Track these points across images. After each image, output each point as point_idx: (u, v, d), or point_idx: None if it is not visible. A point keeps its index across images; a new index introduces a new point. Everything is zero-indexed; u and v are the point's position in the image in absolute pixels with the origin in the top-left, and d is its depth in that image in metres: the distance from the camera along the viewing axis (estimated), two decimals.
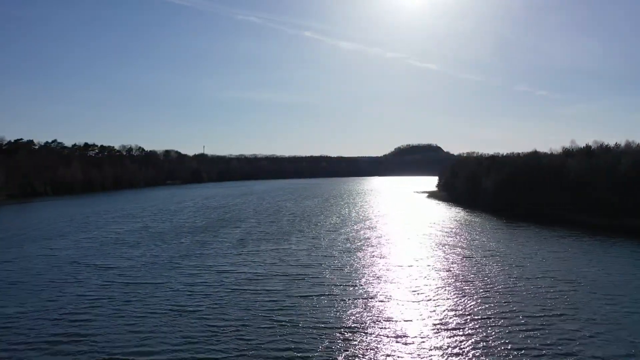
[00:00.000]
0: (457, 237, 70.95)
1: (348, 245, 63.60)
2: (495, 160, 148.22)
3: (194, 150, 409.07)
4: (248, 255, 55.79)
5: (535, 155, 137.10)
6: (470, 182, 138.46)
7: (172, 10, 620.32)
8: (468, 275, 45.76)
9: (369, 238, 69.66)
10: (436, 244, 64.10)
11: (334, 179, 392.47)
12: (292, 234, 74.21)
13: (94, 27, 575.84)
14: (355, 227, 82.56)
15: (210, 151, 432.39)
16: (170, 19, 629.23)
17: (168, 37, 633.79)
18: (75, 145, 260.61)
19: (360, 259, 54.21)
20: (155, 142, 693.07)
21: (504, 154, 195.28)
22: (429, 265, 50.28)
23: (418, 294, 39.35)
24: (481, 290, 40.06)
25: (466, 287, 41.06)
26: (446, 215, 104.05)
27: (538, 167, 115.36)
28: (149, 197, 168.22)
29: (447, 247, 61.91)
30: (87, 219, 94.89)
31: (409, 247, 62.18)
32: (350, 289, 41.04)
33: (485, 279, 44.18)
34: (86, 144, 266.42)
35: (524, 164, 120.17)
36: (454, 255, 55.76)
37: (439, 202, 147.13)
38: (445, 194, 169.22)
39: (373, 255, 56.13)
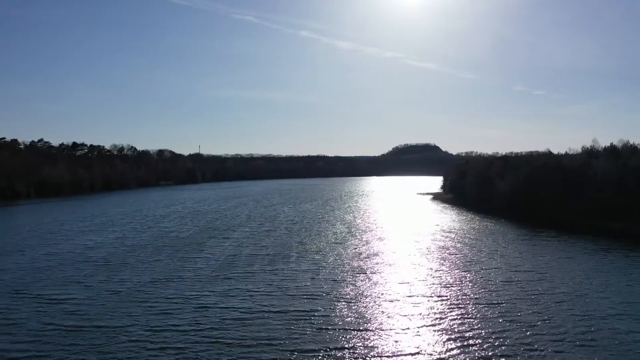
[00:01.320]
0: (482, 252, 60.98)
1: (359, 264, 53.48)
2: (507, 161, 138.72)
3: (189, 150, 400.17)
4: (238, 281, 45.55)
5: (554, 155, 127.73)
6: (480, 185, 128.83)
7: (168, 9, 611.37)
8: (510, 308, 35.83)
9: (381, 254, 59.61)
10: (462, 262, 54.11)
11: (332, 179, 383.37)
12: (291, 247, 64.10)
13: (87, 25, 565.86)
14: (363, 238, 72.56)
15: (206, 151, 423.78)
16: (166, 17, 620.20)
17: (164, 36, 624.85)
18: (62, 144, 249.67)
19: (376, 285, 44.21)
20: (150, 142, 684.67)
21: (513, 153, 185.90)
22: (462, 295, 40.33)
23: (463, 340, 29.41)
24: (533, 333, 30.17)
25: (511, 326, 31.15)
26: (460, 222, 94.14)
27: (558, 168, 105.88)
28: (138, 200, 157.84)
29: (474, 265, 51.96)
30: (59, 228, 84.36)
31: (429, 266, 52.19)
32: (371, 334, 31.08)
33: (535, 311, 34.27)
34: (74, 144, 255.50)
35: (543, 165, 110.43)
36: (484, 278, 45.86)
37: (446, 205, 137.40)
38: (452, 196, 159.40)
39: (390, 280, 46.14)
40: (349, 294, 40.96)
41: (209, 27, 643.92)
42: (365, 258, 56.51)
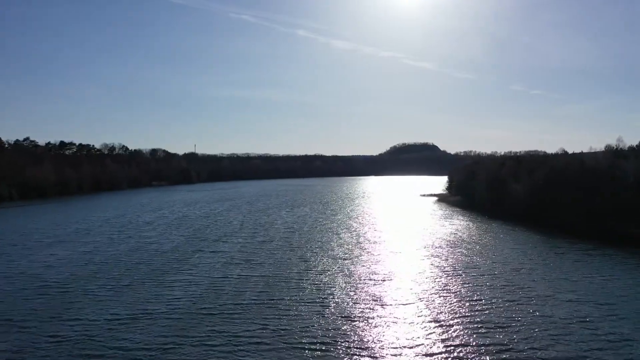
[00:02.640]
0: (519, 271, 51.24)
1: (377, 291, 43.53)
2: (520, 162, 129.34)
3: (184, 150, 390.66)
4: (222, 320, 35.55)
5: (574, 155, 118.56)
6: (492, 186, 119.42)
7: (163, 7, 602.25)
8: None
9: (400, 275, 49.76)
10: (504, 287, 44.21)
11: (329, 178, 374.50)
12: (290, 266, 54.09)
13: (79, 23, 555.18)
14: (374, 251, 62.66)
15: (201, 150, 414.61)
16: (161, 15, 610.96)
17: (159, 34, 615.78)
18: (49, 143, 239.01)
19: (404, 324, 34.53)
20: (145, 142, 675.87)
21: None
22: (521, 341, 30.71)
23: None
24: None
25: None
26: (477, 230, 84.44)
27: (582, 169, 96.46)
28: (125, 203, 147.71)
29: (520, 292, 42.10)
30: (23, 238, 73.90)
31: (463, 293, 42.36)
32: None
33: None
34: (62, 143, 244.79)
35: (564, 166, 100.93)
36: (536, 311, 36.26)
37: (455, 209, 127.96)
38: (459, 198, 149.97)
39: (420, 316, 36.47)
40: (369, 339, 31.27)
41: (205, 25, 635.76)
42: (382, 281, 46.57)
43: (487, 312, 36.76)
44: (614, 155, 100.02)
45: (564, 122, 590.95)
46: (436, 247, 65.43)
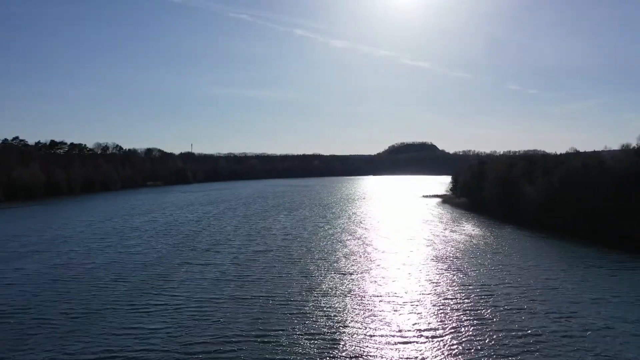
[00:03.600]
0: (582, 302, 44.42)
1: (400, 320, 36.58)
2: (532, 162, 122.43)
3: (181, 150, 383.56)
4: None
5: (591, 155, 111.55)
6: (502, 188, 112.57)
7: (160, 6, 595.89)
8: None
9: (420, 297, 42.84)
10: (560, 316, 37.53)
11: (328, 178, 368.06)
12: (290, 284, 46.83)
13: (73, 21, 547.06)
14: (386, 264, 55.55)
15: (198, 150, 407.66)
16: (158, 14, 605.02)
17: (156, 33, 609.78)
18: (39, 143, 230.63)
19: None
20: (141, 141, 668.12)
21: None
22: None
23: None
24: None
25: None
26: (496, 237, 77.47)
27: (603, 170, 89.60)
28: (115, 205, 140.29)
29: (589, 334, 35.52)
30: None
31: (495, 323, 35.49)
32: None
33: None
34: (53, 142, 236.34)
35: (582, 166, 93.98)
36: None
37: (463, 212, 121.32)
38: (465, 200, 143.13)
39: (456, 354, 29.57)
40: None
41: (203, 24, 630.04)
42: (400, 304, 39.42)
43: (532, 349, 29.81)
44: (635, 154, 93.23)
45: (562, 121, 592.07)
46: (453, 259, 58.34)
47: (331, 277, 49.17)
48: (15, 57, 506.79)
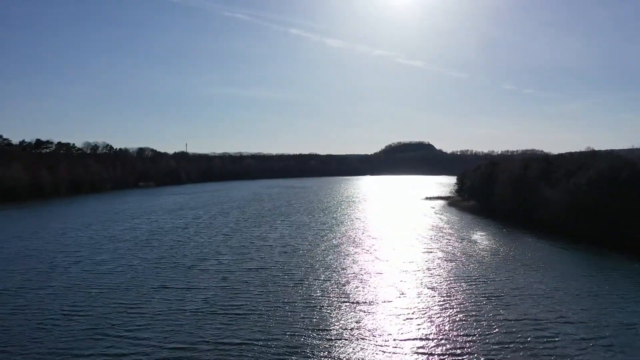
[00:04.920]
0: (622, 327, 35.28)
1: None
2: (550, 163, 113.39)
3: (176, 149, 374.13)
4: None
5: (616, 155, 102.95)
6: (518, 191, 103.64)
7: (155, 5, 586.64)
8: None
9: (459, 334, 33.75)
10: None
11: (324, 178, 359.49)
12: (292, 320, 37.21)
13: (66, 19, 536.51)
14: (405, 287, 46.27)
15: (193, 149, 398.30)
16: (152, 13, 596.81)
17: (150, 32, 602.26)
18: (23, 142, 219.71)
19: None
20: (135, 141, 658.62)
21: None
22: None
23: None
24: None
25: None
26: (519, 249, 68.16)
27: (632, 173, 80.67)
28: (100, 209, 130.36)
29: None
30: None
31: None
32: None
33: None
34: (39, 141, 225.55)
35: (610, 169, 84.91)
36: None
37: (474, 216, 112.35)
38: (474, 203, 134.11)
39: None
40: None
41: (197, 23, 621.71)
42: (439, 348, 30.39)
43: None
44: None
45: (557, 120, 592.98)
46: (485, 281, 48.91)
47: (342, 309, 39.73)
48: (4, 55, 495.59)
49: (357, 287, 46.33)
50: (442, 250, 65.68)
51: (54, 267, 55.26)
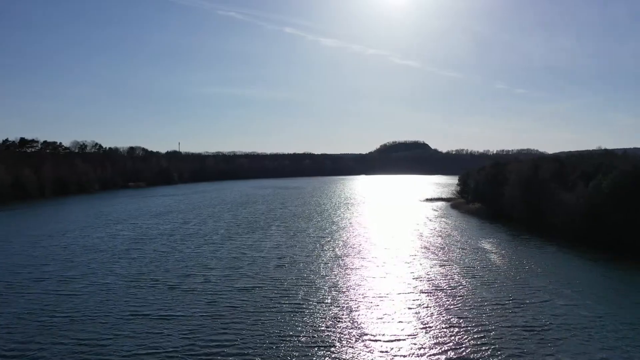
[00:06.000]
0: None
1: None
2: (562, 164, 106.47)
3: (168, 148, 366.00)
4: None
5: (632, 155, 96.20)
6: (530, 194, 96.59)
7: (149, 4, 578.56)
8: None
9: None
10: None
11: (319, 178, 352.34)
12: (293, 356, 30.39)
13: (58, 17, 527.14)
14: (424, 313, 38.86)
15: (186, 149, 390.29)
16: (146, 12, 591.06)
17: (144, 31, 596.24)
18: (7, 140, 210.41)
19: None
20: (127, 140, 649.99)
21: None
22: None
23: None
24: None
25: None
26: (548, 262, 61.05)
27: None
28: (82, 212, 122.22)
29: None
30: None
31: None
32: None
33: None
34: (23, 140, 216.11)
35: (633, 171, 77.91)
36: None
37: (483, 220, 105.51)
38: (479, 206, 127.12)
39: None
40: None
41: (191, 22, 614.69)
42: None
43: None
44: None
45: (549, 120, 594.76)
46: (517, 306, 41.54)
47: (358, 348, 32.34)
48: None
49: (371, 315, 38.85)
50: (458, 264, 58.26)
51: (10, 287, 47.29)
